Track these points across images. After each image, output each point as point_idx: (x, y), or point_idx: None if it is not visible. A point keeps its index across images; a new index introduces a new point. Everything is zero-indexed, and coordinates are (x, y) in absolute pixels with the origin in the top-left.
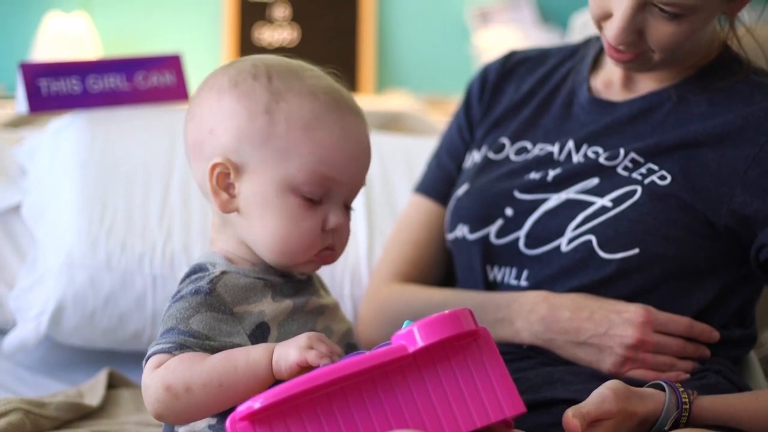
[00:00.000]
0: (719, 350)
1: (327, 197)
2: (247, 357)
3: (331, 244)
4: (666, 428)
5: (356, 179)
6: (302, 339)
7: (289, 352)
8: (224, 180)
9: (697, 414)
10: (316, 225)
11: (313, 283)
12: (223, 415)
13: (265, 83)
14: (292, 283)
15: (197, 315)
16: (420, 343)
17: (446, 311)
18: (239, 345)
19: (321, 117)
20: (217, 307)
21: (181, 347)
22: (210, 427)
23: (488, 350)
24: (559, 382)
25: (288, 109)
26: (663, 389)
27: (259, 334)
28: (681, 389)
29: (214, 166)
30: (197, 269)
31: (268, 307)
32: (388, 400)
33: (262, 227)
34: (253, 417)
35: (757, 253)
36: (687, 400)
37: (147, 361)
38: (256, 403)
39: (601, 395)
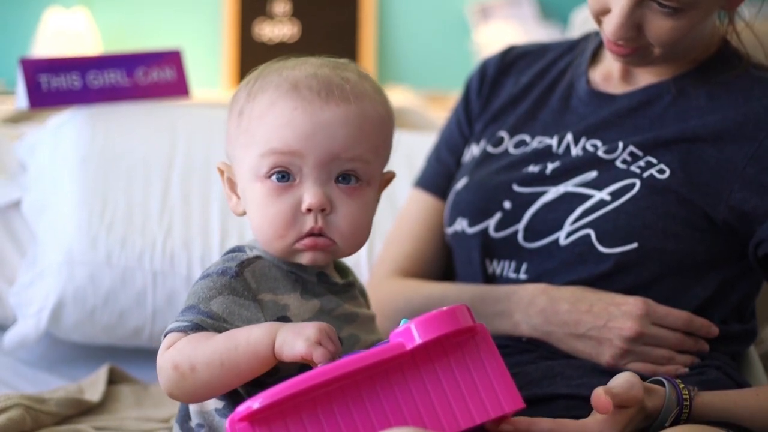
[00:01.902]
0: (718, 345)
1: (300, 176)
2: (248, 336)
3: (315, 228)
4: (666, 424)
5: (324, 149)
6: (312, 331)
7: (296, 342)
8: (233, 184)
9: (697, 410)
10: (285, 208)
11: (352, 291)
12: (230, 400)
13: (249, 87)
14: (327, 285)
15: (219, 297)
16: (417, 340)
17: (444, 308)
18: None
19: (275, 103)
20: (240, 292)
21: (197, 327)
22: (216, 410)
23: (486, 346)
24: (559, 376)
25: (252, 107)
26: (663, 385)
27: None
28: (681, 385)
29: (220, 172)
30: (235, 249)
31: (294, 302)
32: (387, 398)
33: (250, 221)
34: (252, 417)
35: (755, 248)
36: (687, 396)
37: (164, 337)
38: (255, 403)
39: (630, 382)
